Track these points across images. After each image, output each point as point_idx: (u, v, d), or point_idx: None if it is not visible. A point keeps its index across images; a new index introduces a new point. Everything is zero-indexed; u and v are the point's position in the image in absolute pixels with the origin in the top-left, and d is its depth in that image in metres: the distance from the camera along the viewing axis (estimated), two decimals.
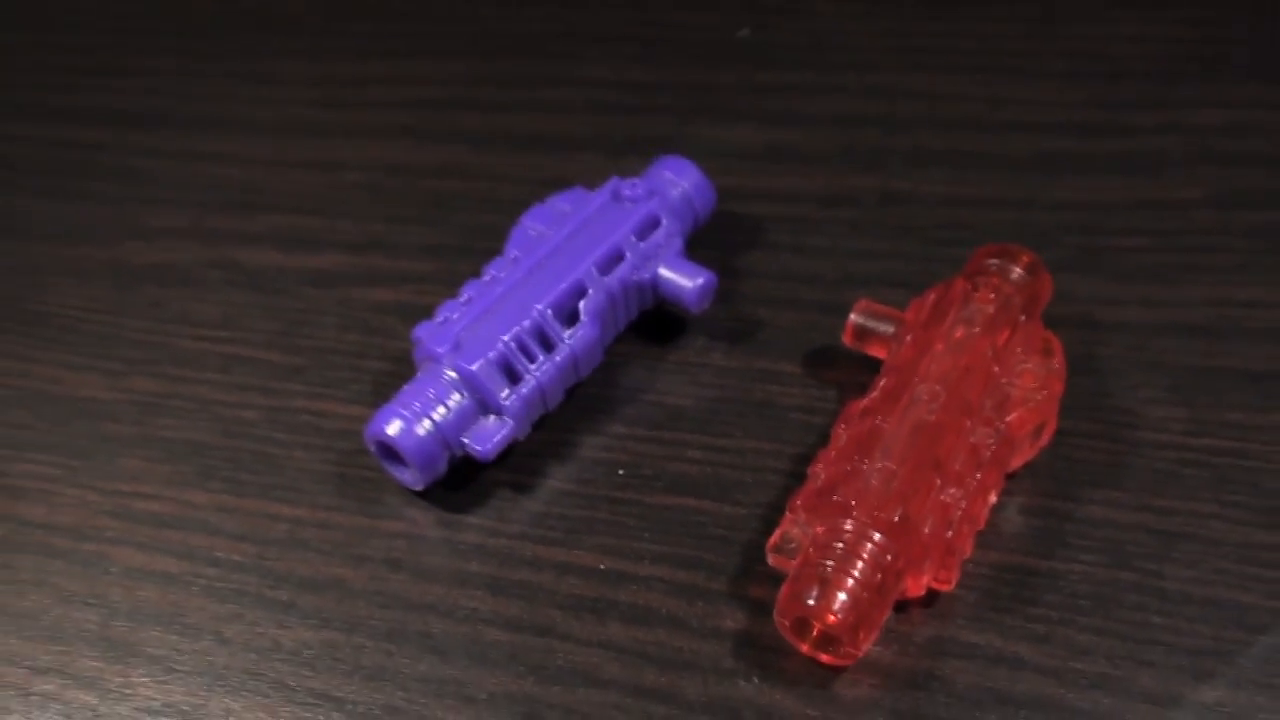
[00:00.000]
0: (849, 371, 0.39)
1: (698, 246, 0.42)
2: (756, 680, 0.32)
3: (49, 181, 0.50)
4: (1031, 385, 0.35)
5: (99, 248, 0.46)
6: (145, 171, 0.50)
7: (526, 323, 0.37)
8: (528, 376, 0.36)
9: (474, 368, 0.36)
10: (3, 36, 0.58)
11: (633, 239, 0.39)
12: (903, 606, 0.33)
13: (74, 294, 0.45)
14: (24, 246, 0.47)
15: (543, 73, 0.53)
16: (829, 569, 0.31)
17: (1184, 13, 0.51)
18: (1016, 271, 0.37)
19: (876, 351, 0.38)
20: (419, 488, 0.37)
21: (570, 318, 0.38)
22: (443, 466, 0.36)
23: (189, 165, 0.50)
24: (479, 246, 0.42)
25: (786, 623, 0.32)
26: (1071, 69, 0.49)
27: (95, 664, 0.34)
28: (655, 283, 0.39)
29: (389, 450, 0.36)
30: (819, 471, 0.33)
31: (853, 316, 0.38)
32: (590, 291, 0.38)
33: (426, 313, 0.39)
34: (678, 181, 0.41)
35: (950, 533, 0.32)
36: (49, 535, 0.37)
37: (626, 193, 0.40)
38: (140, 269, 0.45)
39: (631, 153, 0.46)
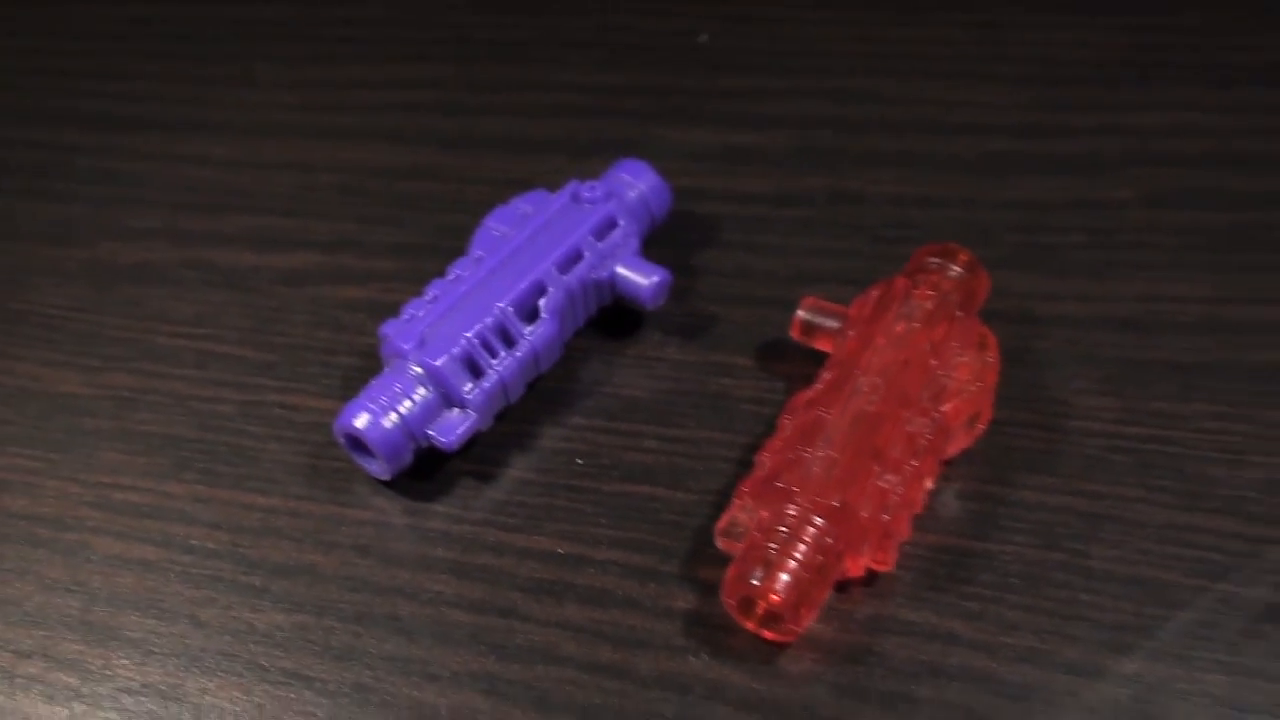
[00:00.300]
0: (798, 364, 0.40)
1: (656, 245, 0.44)
2: (705, 656, 0.34)
3: (30, 183, 0.51)
4: (966, 377, 0.36)
5: (78, 248, 0.47)
6: (124, 173, 0.51)
7: (489, 320, 0.38)
8: (490, 371, 0.38)
9: (438, 363, 0.37)
10: None
11: (591, 239, 0.41)
12: (844, 586, 0.35)
13: (54, 293, 0.46)
14: (5, 246, 0.48)
15: (512, 77, 0.54)
16: (773, 551, 0.32)
17: (1124, 20, 0.53)
18: (955, 269, 0.38)
19: (823, 345, 0.39)
20: (386, 478, 0.38)
21: (531, 315, 0.39)
22: (409, 457, 0.37)
23: (167, 167, 0.51)
24: (445, 246, 0.44)
25: (733, 602, 0.33)
26: (1016, 73, 0.51)
27: (77, 647, 0.35)
28: (613, 281, 0.41)
29: (357, 442, 0.37)
30: (765, 460, 0.35)
31: (800, 313, 0.39)
32: (550, 289, 0.39)
33: (394, 310, 0.40)
34: (635, 184, 0.43)
35: (887, 516, 0.34)
36: (32, 525, 0.38)
37: (585, 195, 0.41)
38: (119, 269, 0.46)
39: (595, 155, 0.48)
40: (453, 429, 0.37)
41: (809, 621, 0.33)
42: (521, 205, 0.42)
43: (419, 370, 0.37)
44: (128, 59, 0.57)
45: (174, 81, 0.55)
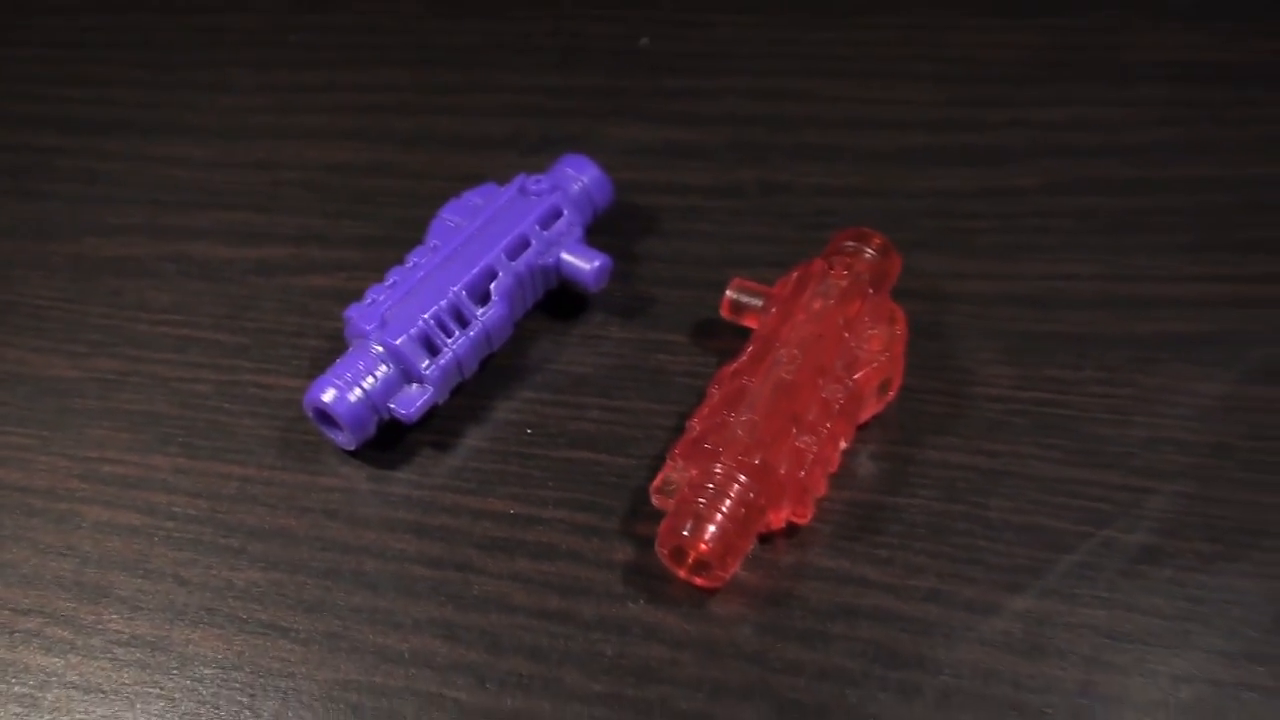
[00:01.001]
0: (728, 340, 0.42)
1: (599, 233, 0.46)
2: (643, 602, 0.37)
3: (14, 183, 0.52)
4: (877, 348, 0.39)
5: (62, 243, 0.49)
6: (103, 173, 0.52)
7: (444, 302, 0.40)
8: (446, 349, 0.40)
9: (398, 342, 0.39)
10: None
11: (537, 228, 0.43)
12: (769, 538, 0.37)
13: (41, 285, 0.47)
14: None
15: (466, 79, 0.55)
16: (701, 505, 0.35)
17: (1034, 21, 0.56)
18: (868, 252, 0.41)
19: (750, 323, 0.42)
20: (352, 448, 0.40)
21: (483, 298, 0.41)
22: (372, 429, 0.40)
23: (144, 167, 0.52)
24: (404, 237, 0.45)
25: (666, 552, 0.36)
26: (934, 72, 0.54)
27: (70, 604, 0.37)
28: (558, 266, 0.43)
29: (325, 416, 0.40)
30: (695, 424, 0.38)
31: (728, 293, 0.42)
32: (500, 274, 0.42)
33: (357, 296, 0.42)
34: (578, 177, 0.45)
35: (804, 473, 0.36)
36: (26, 497, 0.40)
37: (532, 188, 0.44)
38: (100, 262, 0.48)
39: (543, 151, 0.50)
40: (412, 402, 0.39)
41: (735, 569, 0.36)
42: (473, 198, 0.44)
43: (380, 349, 0.39)
44: (107, 66, 0.58)
45: (152, 87, 0.56)
